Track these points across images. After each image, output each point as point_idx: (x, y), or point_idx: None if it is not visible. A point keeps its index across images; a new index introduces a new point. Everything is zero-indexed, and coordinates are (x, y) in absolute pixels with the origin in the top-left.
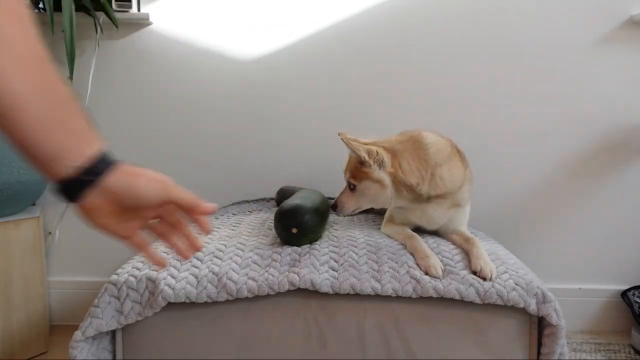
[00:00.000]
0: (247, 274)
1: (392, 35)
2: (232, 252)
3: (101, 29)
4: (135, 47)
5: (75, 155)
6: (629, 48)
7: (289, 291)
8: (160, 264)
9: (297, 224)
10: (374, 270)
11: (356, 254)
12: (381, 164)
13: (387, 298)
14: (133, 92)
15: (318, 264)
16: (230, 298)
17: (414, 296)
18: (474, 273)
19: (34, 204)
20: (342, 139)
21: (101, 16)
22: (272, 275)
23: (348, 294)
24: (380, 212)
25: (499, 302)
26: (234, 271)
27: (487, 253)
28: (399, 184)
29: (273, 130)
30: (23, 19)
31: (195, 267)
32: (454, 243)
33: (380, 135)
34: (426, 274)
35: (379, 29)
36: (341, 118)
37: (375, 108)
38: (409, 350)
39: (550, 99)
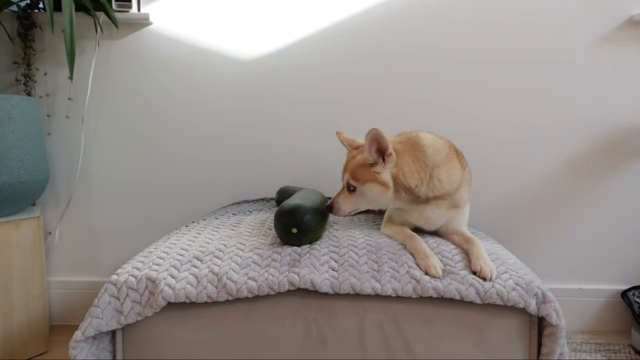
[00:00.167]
0: (247, 274)
1: (392, 36)
2: (232, 252)
3: (101, 29)
4: (135, 47)
5: None
6: (629, 48)
7: (289, 291)
8: None
9: (297, 224)
10: (374, 270)
11: (356, 254)
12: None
13: (387, 298)
14: (133, 91)
15: (318, 264)
16: (230, 298)
17: (414, 296)
18: (474, 273)
19: (34, 204)
20: (350, 139)
21: (101, 16)
22: (272, 275)
23: (348, 294)
24: (380, 212)
25: (499, 302)
26: (234, 271)
27: (487, 253)
28: (398, 185)
29: (273, 130)
30: None
31: (195, 267)
32: (454, 243)
33: None
34: (426, 274)
35: (379, 29)
36: (341, 118)
37: (376, 108)
38: (409, 350)
39: (550, 99)
